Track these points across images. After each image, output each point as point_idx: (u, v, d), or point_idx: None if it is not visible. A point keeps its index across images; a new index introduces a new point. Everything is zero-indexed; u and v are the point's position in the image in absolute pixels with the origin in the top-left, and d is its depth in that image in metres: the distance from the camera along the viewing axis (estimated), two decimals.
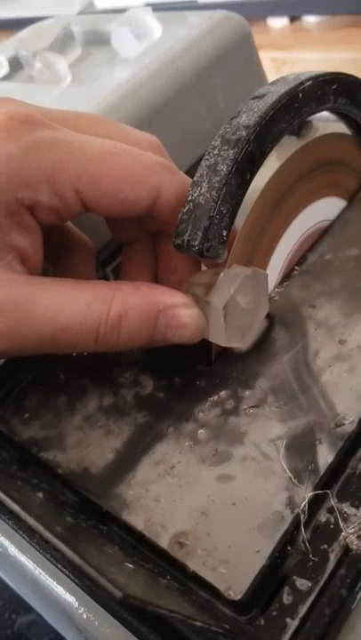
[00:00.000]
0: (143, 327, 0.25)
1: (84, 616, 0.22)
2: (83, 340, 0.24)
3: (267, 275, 0.26)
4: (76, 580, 0.22)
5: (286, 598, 0.20)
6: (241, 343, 0.27)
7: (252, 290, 0.26)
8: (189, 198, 0.25)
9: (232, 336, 0.26)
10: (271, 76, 0.34)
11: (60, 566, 0.22)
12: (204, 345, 0.27)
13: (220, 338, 0.26)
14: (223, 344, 0.26)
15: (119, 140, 0.26)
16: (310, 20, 1.04)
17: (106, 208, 0.25)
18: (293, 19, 1.06)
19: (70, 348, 0.25)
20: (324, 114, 0.30)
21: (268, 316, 0.28)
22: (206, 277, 0.26)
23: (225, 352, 0.28)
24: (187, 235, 0.25)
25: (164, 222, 0.26)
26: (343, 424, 0.23)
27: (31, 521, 0.21)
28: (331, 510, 0.22)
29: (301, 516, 0.21)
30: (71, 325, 0.24)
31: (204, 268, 0.28)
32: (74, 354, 0.30)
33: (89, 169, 0.24)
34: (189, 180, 0.26)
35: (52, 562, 0.22)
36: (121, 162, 0.24)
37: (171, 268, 0.28)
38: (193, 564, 0.21)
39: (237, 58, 0.40)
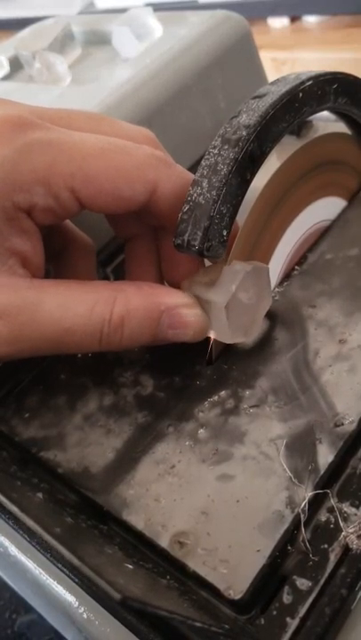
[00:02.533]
0: (145, 327, 0.25)
1: (85, 616, 0.22)
2: (87, 341, 0.25)
3: (267, 268, 0.26)
4: (77, 580, 0.22)
5: (286, 598, 0.20)
6: (246, 337, 0.27)
7: (254, 285, 0.26)
8: (189, 198, 0.25)
9: (236, 332, 0.26)
10: (271, 75, 0.34)
11: (60, 566, 0.22)
12: (205, 344, 0.27)
13: (224, 335, 0.26)
14: (228, 341, 0.26)
15: (114, 136, 0.26)
16: (311, 19, 1.04)
17: (103, 205, 0.25)
18: (294, 19, 1.06)
19: (75, 349, 0.25)
20: (325, 114, 0.30)
21: (269, 316, 0.28)
22: (207, 276, 0.26)
23: (225, 351, 0.28)
24: (187, 234, 0.25)
25: (162, 216, 0.26)
26: (343, 424, 0.23)
27: (30, 523, 0.21)
28: (331, 510, 0.22)
29: (301, 516, 0.21)
30: (75, 327, 0.24)
31: (207, 262, 0.28)
32: (78, 355, 0.30)
33: (83, 167, 0.24)
34: (186, 173, 0.26)
35: (52, 561, 0.22)
36: (115, 158, 0.24)
37: (173, 262, 0.28)
38: (193, 564, 0.21)
39: (238, 58, 0.40)
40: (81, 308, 0.24)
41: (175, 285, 0.28)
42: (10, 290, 0.24)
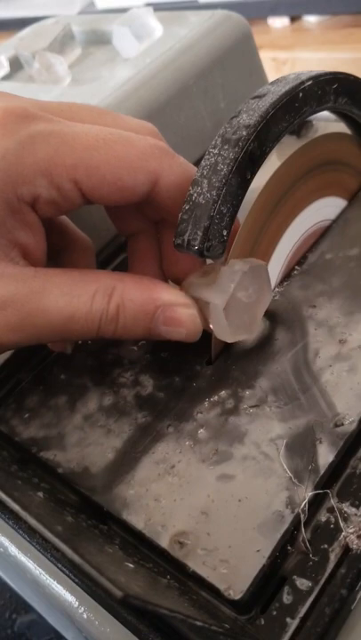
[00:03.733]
0: (140, 320, 0.25)
1: (85, 615, 0.22)
2: (87, 328, 0.25)
3: (265, 264, 0.26)
4: (77, 580, 0.22)
5: (286, 598, 0.20)
6: (247, 335, 0.27)
7: (253, 282, 0.26)
8: (189, 198, 0.25)
9: (237, 331, 0.26)
10: (272, 75, 0.34)
11: (60, 566, 0.22)
12: (204, 344, 0.27)
13: (224, 335, 0.26)
14: (229, 340, 0.26)
15: (116, 128, 0.26)
16: (311, 19, 1.04)
17: (105, 196, 0.25)
18: (294, 18, 1.06)
19: (76, 337, 0.25)
20: (325, 113, 0.30)
21: (269, 316, 0.28)
22: (206, 276, 0.26)
23: (225, 351, 0.28)
24: (187, 234, 0.25)
25: (164, 208, 0.26)
26: (343, 424, 0.23)
27: (32, 520, 0.21)
28: (331, 510, 0.22)
29: (302, 516, 0.21)
30: (79, 315, 0.24)
31: (208, 260, 0.28)
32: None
33: (85, 159, 0.24)
34: (188, 164, 0.26)
35: (52, 561, 0.22)
36: (117, 148, 0.25)
37: (174, 259, 0.28)
38: (193, 564, 0.21)
39: (238, 57, 0.40)
40: (84, 297, 0.24)
41: (177, 282, 0.28)
42: (16, 279, 0.24)
